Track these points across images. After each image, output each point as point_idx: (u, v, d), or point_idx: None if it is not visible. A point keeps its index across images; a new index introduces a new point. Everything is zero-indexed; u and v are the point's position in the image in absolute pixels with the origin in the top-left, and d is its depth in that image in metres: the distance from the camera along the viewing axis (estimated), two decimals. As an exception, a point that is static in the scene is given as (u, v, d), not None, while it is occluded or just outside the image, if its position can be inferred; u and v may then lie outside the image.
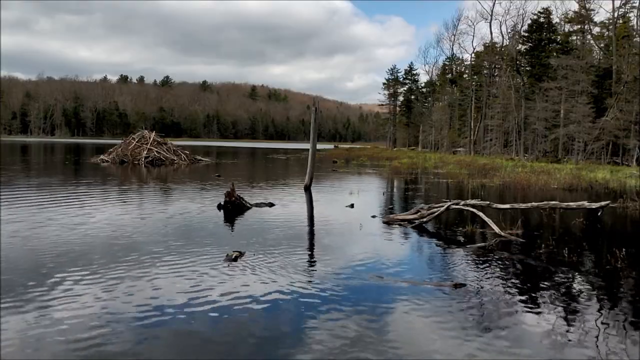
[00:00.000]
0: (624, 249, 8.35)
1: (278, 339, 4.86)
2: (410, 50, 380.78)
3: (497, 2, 63.84)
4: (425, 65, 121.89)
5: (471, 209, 11.33)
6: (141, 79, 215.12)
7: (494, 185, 21.74)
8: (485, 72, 61.24)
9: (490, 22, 57.13)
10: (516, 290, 6.50)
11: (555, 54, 49.99)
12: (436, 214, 11.41)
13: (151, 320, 5.20)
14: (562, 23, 55.18)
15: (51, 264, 7.20)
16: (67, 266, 7.09)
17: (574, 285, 6.84)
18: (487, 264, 7.91)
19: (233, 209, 12.87)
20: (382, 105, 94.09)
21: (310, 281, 6.73)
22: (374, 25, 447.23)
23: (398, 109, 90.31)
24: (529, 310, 5.76)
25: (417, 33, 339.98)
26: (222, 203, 13.10)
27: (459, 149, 62.04)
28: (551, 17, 52.84)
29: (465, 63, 69.69)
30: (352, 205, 14.30)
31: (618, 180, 23.02)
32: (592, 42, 51.63)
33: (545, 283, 6.86)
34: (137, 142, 35.72)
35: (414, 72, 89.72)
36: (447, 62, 77.49)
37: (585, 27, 51.41)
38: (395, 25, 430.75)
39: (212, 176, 24.57)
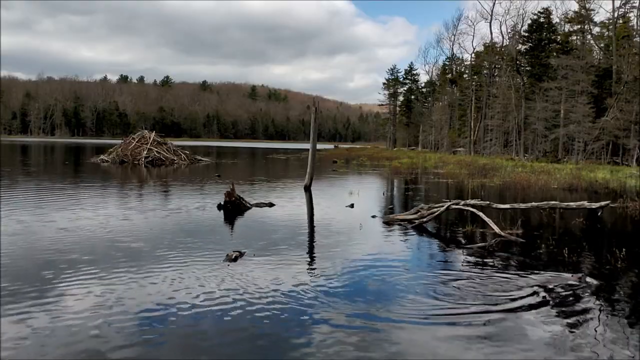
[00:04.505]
0: (624, 249, 8.35)
1: (278, 339, 4.85)
2: (413, 50, 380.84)
3: (497, 2, 63.73)
4: (425, 65, 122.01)
5: (471, 209, 11.33)
6: (141, 79, 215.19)
7: (494, 185, 21.74)
8: (485, 72, 61.18)
9: (490, 22, 57.08)
10: (516, 290, 6.49)
11: (555, 54, 49.93)
12: (436, 214, 11.41)
13: (151, 320, 5.20)
14: (562, 23, 55.13)
15: (51, 265, 7.20)
16: (67, 266, 7.09)
17: (574, 286, 6.83)
18: (487, 264, 7.91)
19: (233, 209, 12.87)
20: (382, 105, 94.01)
21: (310, 281, 6.72)
22: (376, 26, 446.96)
23: (398, 109, 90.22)
24: (529, 310, 5.75)
25: (420, 33, 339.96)
26: (222, 203, 13.10)
27: (459, 149, 62.00)
28: (551, 17, 52.81)
29: (465, 63, 69.63)
30: (352, 205, 14.30)
31: (618, 180, 23.01)
32: (592, 42, 51.61)
33: (545, 283, 6.84)
34: (137, 142, 35.73)
35: (414, 72, 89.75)
36: (447, 62, 77.47)
37: (585, 27, 51.36)
38: (397, 25, 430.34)
39: (212, 176, 24.57)
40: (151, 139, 36.06)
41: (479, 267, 7.75)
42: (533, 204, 11.80)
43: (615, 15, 46.48)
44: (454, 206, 11.56)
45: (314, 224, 12.08)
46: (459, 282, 6.81)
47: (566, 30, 54.47)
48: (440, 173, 29.35)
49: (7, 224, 10.13)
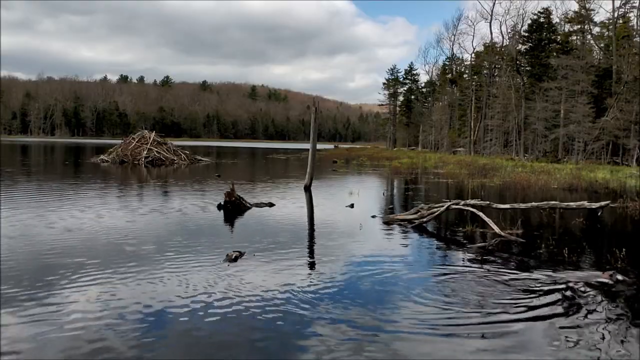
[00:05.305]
0: (624, 249, 8.35)
1: (278, 339, 4.85)
2: (413, 50, 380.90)
3: (497, 2, 63.72)
4: (425, 65, 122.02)
5: (471, 209, 11.33)
6: (141, 79, 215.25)
7: (494, 185, 21.73)
8: (485, 72, 61.18)
9: (490, 22, 57.08)
10: (516, 290, 6.49)
11: (555, 54, 49.94)
12: (436, 214, 11.41)
13: (151, 320, 5.20)
14: (562, 23, 55.14)
15: (51, 266, 7.20)
16: (67, 267, 7.09)
17: (574, 286, 6.82)
18: (487, 264, 7.90)
19: (233, 209, 12.87)
20: (382, 105, 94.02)
21: (310, 281, 6.72)
22: (377, 26, 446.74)
23: (398, 109, 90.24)
24: (529, 310, 5.74)
25: (420, 33, 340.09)
26: (222, 203, 13.10)
27: (459, 149, 61.99)
28: (551, 17, 52.84)
29: (465, 63, 69.64)
30: (352, 205, 14.30)
31: (618, 180, 23.01)
32: (592, 42, 51.61)
33: (545, 283, 6.84)
34: (137, 142, 35.73)
35: (414, 72, 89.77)
36: (447, 62, 77.47)
37: (585, 27, 51.37)
38: (397, 25, 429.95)
39: (212, 176, 24.57)
40: (151, 139, 36.06)
41: (480, 266, 7.74)
42: (533, 204, 11.80)
43: (615, 15, 46.51)
44: (454, 206, 11.56)
45: (314, 224, 12.08)
46: (460, 282, 6.81)
47: (566, 30, 54.49)
48: (440, 173, 29.35)
49: (7, 224, 10.13)
